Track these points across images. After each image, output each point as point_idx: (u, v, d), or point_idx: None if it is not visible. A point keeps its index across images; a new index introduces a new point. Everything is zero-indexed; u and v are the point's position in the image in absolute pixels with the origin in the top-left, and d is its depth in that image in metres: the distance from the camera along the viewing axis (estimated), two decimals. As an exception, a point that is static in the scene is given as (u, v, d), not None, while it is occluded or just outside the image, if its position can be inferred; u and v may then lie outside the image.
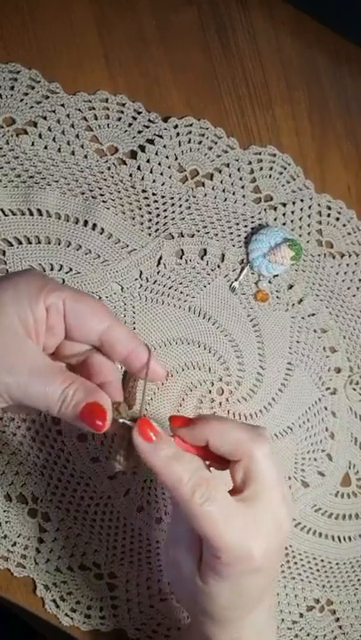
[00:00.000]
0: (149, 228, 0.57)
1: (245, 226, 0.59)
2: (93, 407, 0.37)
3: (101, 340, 0.40)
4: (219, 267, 0.58)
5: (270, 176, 0.60)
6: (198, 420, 0.39)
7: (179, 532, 0.40)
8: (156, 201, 0.57)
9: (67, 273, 0.54)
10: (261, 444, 0.38)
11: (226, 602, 0.38)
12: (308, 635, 0.56)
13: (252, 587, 0.38)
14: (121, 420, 0.39)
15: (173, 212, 0.57)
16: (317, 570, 0.57)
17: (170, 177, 0.58)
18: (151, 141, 0.57)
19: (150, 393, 0.54)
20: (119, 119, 0.57)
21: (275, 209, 0.60)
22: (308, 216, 0.61)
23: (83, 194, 0.55)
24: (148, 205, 0.57)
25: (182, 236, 0.57)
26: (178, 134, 0.58)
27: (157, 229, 0.57)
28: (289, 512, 0.39)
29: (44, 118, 0.55)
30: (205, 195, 0.58)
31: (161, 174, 0.57)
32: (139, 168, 0.57)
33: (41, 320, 0.38)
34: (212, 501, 0.36)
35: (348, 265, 0.61)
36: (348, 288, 0.61)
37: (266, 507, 0.38)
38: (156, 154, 0.57)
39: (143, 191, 0.57)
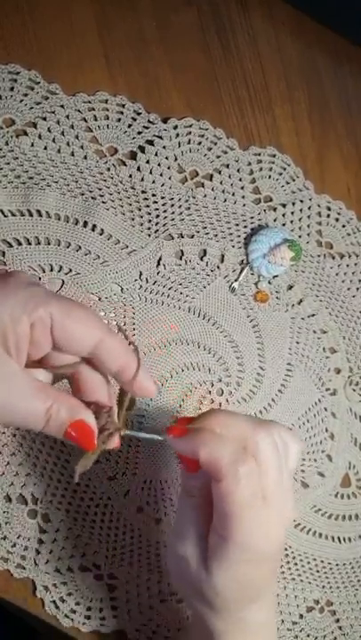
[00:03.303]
0: (149, 228, 0.56)
1: (245, 227, 0.59)
2: (78, 425, 0.37)
3: (91, 354, 0.38)
4: (218, 267, 0.58)
5: (270, 177, 0.60)
6: (193, 432, 0.38)
7: (185, 527, 0.40)
8: (155, 202, 0.57)
9: (66, 274, 0.54)
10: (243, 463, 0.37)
11: (229, 591, 0.39)
12: (308, 636, 0.56)
13: (255, 577, 0.39)
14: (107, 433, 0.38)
15: (173, 212, 0.57)
16: (317, 571, 0.57)
17: (169, 178, 0.57)
18: (151, 142, 0.57)
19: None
20: (119, 120, 0.57)
21: (274, 210, 0.60)
22: (308, 217, 0.61)
23: (82, 195, 0.55)
24: (148, 206, 0.57)
25: (182, 237, 0.57)
26: (177, 135, 0.58)
27: (157, 230, 0.57)
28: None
29: (44, 119, 0.55)
30: (205, 195, 0.58)
31: (161, 175, 0.57)
32: (138, 169, 0.57)
33: (23, 337, 0.36)
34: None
35: (347, 266, 0.61)
36: (348, 289, 0.61)
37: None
38: (156, 155, 0.57)
39: (143, 192, 0.57)
